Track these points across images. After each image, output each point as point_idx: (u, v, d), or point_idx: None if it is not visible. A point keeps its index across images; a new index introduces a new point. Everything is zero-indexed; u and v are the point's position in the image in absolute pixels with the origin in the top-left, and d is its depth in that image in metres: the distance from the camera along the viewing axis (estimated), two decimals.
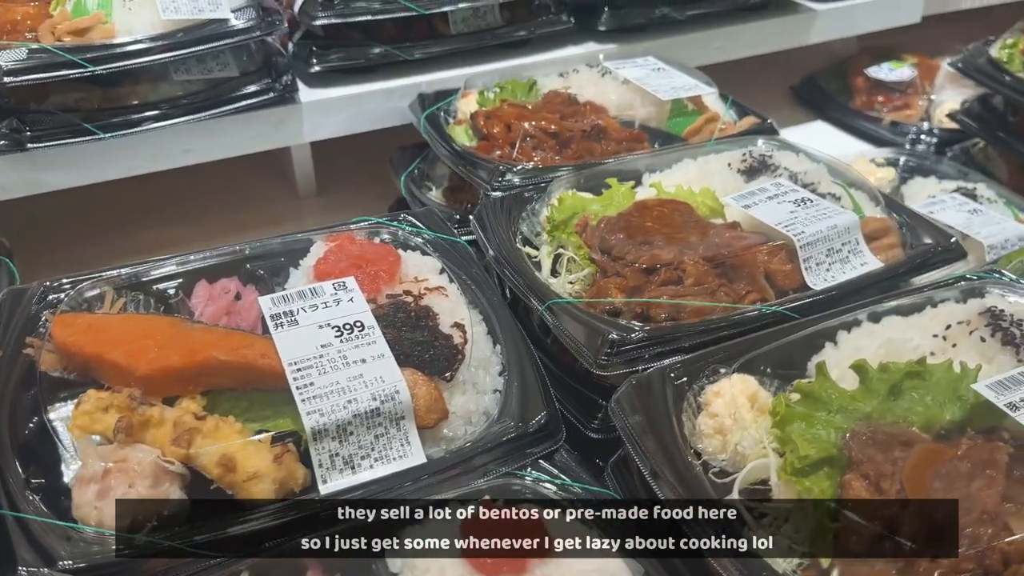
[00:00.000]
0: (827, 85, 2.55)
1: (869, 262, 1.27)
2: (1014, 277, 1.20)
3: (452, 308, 1.15)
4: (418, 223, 1.32)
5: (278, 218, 2.07)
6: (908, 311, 1.15)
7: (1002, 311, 1.08)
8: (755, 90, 2.51)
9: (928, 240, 1.31)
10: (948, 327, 1.08)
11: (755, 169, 1.45)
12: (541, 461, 1.05)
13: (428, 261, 1.23)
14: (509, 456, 1.04)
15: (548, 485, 1.03)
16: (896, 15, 2.41)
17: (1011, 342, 1.03)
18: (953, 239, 1.30)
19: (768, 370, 1.08)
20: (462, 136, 1.68)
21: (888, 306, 1.15)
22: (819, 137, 2.41)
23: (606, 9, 2.01)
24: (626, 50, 2.03)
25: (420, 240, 1.28)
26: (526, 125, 1.61)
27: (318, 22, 1.75)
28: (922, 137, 2.25)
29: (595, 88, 1.79)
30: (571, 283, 1.29)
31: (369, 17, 1.78)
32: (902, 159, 2.06)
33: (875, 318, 1.14)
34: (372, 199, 2.03)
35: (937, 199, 1.80)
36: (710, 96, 1.79)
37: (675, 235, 1.25)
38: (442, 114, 1.76)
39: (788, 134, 2.43)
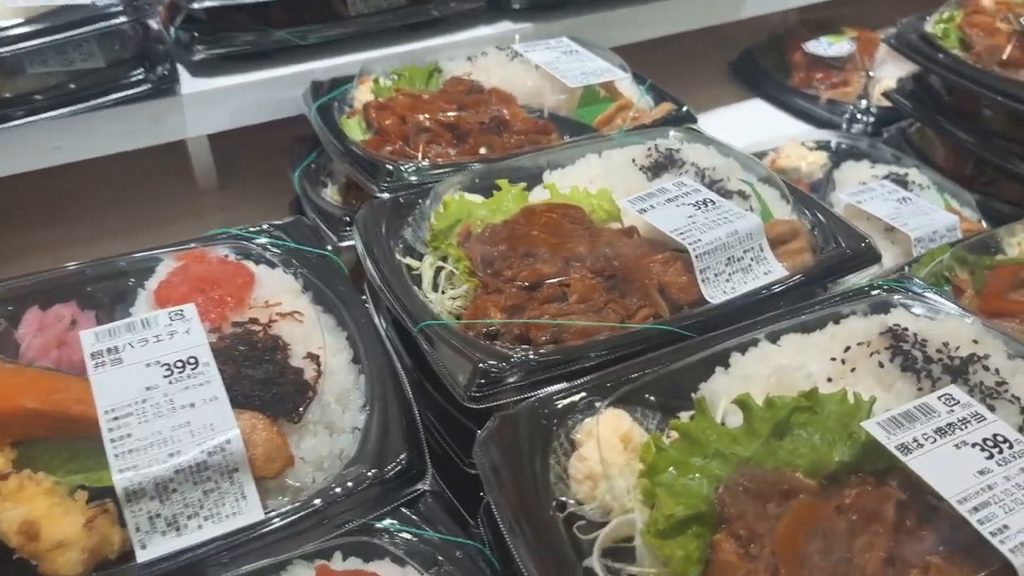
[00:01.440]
0: (764, 61, 2.44)
1: (774, 270, 1.17)
2: (924, 286, 1.10)
3: (307, 336, 1.03)
4: (283, 235, 1.20)
5: (176, 214, 1.94)
6: (811, 328, 1.05)
7: (905, 330, 0.98)
8: (692, 67, 2.39)
9: (840, 244, 1.21)
10: (847, 348, 0.98)
11: (660, 165, 1.34)
12: (403, 508, 0.95)
13: (287, 280, 1.11)
14: (364, 505, 0.93)
15: (407, 536, 0.92)
16: None
17: (911, 367, 0.93)
18: (865, 242, 1.20)
19: (654, 399, 0.98)
20: (356, 129, 1.55)
21: (789, 323, 1.05)
22: (755, 117, 2.30)
23: None
24: (543, 29, 1.90)
25: (281, 255, 1.16)
26: (420, 117, 1.48)
27: (198, 4, 1.60)
28: (859, 116, 2.15)
29: (503, 73, 1.66)
30: (452, 300, 1.17)
31: None
32: (835, 142, 1.97)
33: (774, 337, 1.03)
34: (277, 192, 1.90)
35: (867, 187, 1.71)
36: (624, 80, 1.66)
37: (562, 245, 1.14)
38: (337, 104, 1.63)
39: (723, 114, 2.34)
